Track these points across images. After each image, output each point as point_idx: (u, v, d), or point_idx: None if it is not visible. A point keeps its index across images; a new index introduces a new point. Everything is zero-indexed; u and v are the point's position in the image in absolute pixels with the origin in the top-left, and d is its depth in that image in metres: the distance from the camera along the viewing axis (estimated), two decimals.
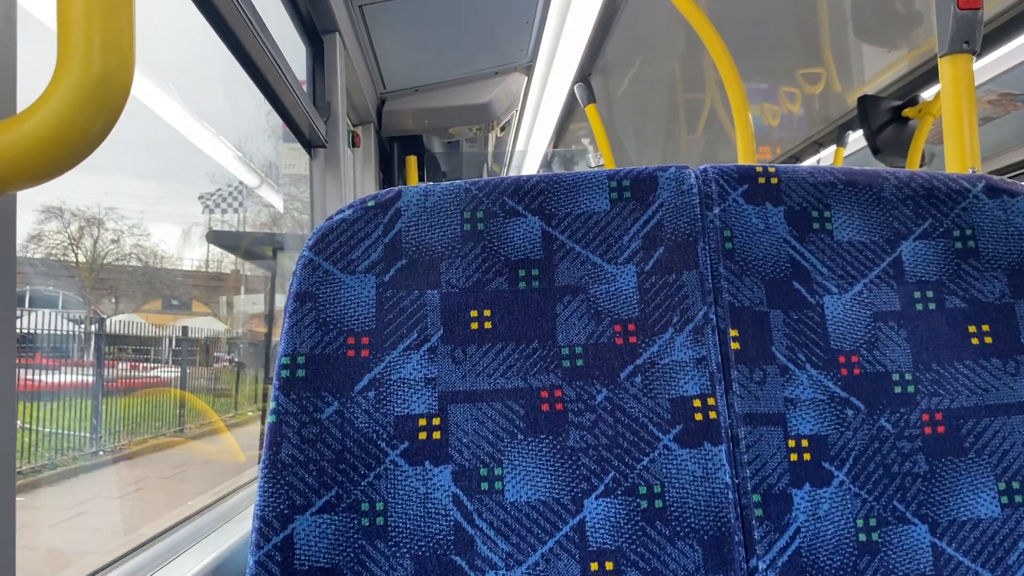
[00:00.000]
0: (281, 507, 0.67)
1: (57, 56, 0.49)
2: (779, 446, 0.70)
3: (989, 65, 2.49)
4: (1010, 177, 2.21)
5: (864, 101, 2.71)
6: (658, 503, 0.69)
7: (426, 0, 2.08)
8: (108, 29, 0.49)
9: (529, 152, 4.16)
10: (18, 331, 0.57)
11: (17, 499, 0.57)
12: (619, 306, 0.74)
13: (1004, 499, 0.71)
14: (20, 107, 0.56)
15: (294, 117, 1.65)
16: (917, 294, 0.76)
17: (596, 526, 0.68)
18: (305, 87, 1.88)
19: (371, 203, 0.74)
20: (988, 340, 0.75)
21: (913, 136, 2.68)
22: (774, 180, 0.77)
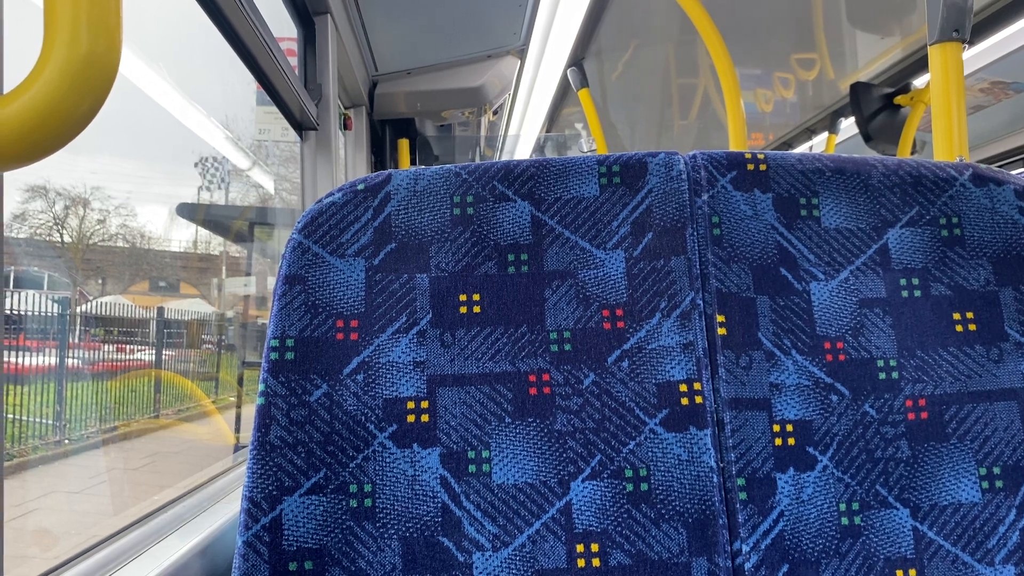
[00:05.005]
0: (270, 488, 0.67)
1: (43, 37, 0.48)
2: (764, 431, 0.71)
3: (981, 53, 2.49)
4: (997, 166, 2.22)
5: (857, 88, 2.71)
6: (643, 486, 0.69)
7: None
8: (95, 9, 0.48)
9: (522, 136, 4.14)
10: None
11: None
12: (607, 291, 0.74)
13: (985, 484, 0.72)
14: (6, 88, 0.55)
15: (285, 99, 1.64)
16: (903, 281, 0.77)
17: (582, 508, 0.69)
18: (296, 69, 1.86)
19: (361, 186, 0.74)
20: (972, 327, 0.76)
21: (904, 124, 2.69)
22: (763, 167, 0.77)
